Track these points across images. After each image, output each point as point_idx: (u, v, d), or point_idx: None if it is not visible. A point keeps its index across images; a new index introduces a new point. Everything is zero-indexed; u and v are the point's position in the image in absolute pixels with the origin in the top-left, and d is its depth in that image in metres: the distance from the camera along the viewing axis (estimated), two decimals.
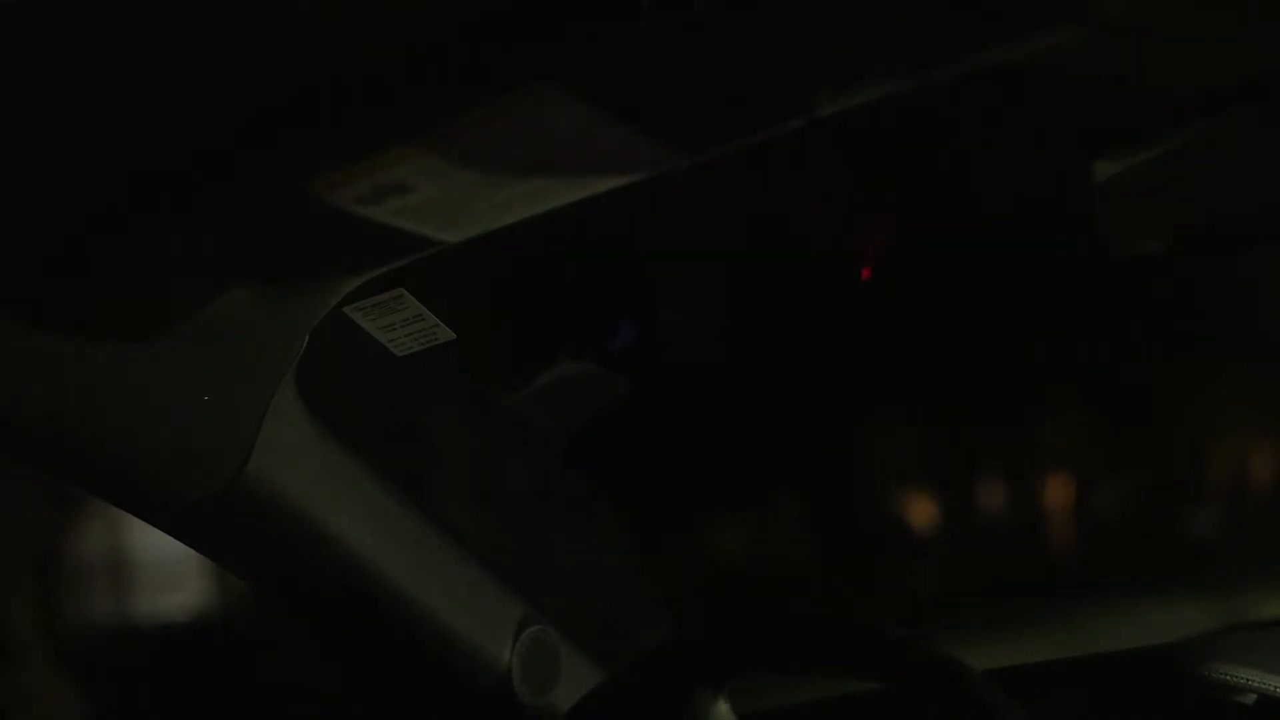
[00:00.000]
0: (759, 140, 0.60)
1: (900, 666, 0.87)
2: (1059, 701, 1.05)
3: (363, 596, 0.98)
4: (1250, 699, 0.99)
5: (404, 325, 0.85)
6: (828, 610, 0.94)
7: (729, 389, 1.43)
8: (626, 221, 1.19)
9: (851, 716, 1.14)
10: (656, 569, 1.51)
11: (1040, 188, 1.13)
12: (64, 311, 0.71)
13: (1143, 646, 1.08)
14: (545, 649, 1.09)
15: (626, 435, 1.39)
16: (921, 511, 1.58)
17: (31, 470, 0.87)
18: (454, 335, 0.86)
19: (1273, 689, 0.98)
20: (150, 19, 0.54)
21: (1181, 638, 1.04)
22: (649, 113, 0.58)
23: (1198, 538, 1.48)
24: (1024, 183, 1.15)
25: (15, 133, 0.60)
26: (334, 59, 0.57)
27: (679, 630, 1.30)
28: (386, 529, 0.98)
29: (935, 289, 1.30)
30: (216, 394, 0.81)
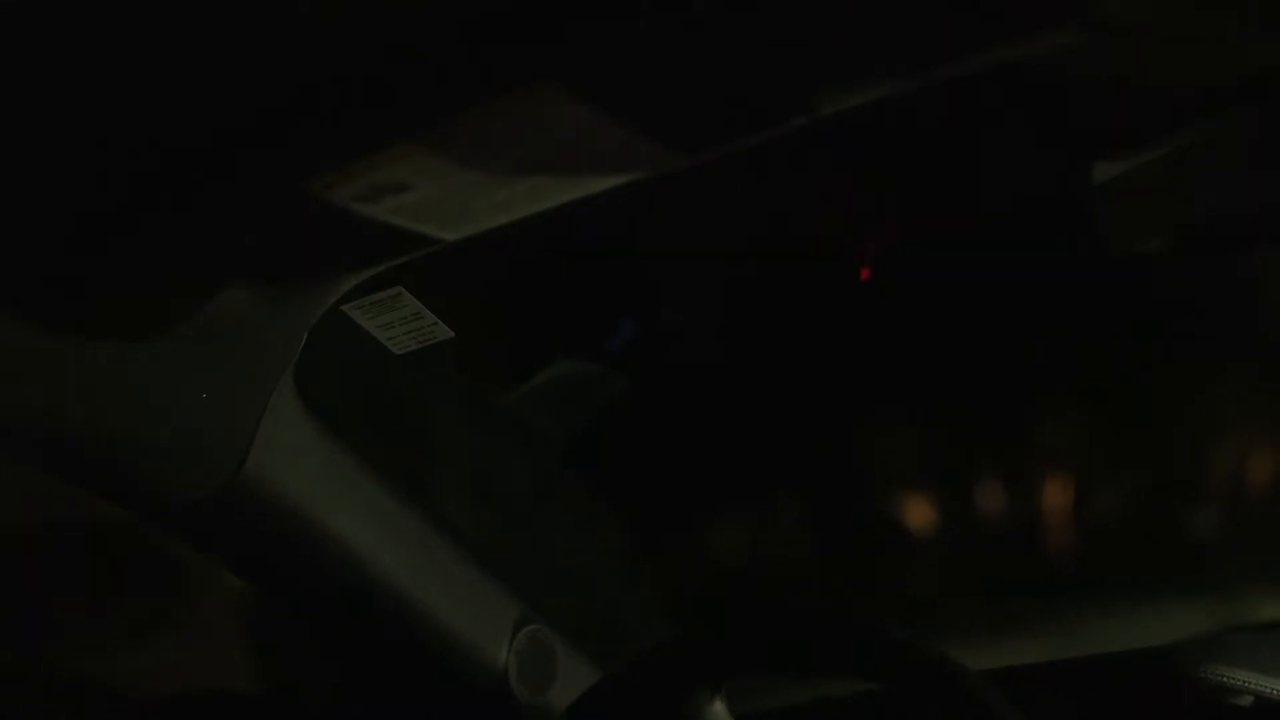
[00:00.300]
0: (759, 140, 0.60)
1: (899, 667, 0.88)
2: (1056, 702, 1.05)
3: (360, 595, 0.98)
4: (1247, 701, 0.99)
5: (402, 324, 0.85)
6: (828, 610, 0.94)
7: (729, 389, 1.43)
8: (626, 221, 1.19)
9: (850, 717, 1.14)
10: (656, 569, 1.51)
11: (1040, 188, 1.13)
12: (64, 311, 0.71)
13: (1140, 648, 1.09)
14: (542, 648, 1.10)
15: (626, 435, 1.39)
16: (921, 512, 1.58)
17: None
18: (452, 333, 0.86)
19: (1270, 691, 0.98)
20: (150, 18, 0.54)
21: (1179, 639, 1.04)
22: (648, 112, 0.58)
23: (1196, 539, 1.47)
24: (1024, 183, 1.15)
25: (15, 133, 0.60)
26: (334, 59, 0.57)
27: (678, 630, 1.30)
28: (384, 528, 0.98)
29: (935, 289, 1.30)
30: (215, 393, 0.81)
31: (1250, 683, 0.98)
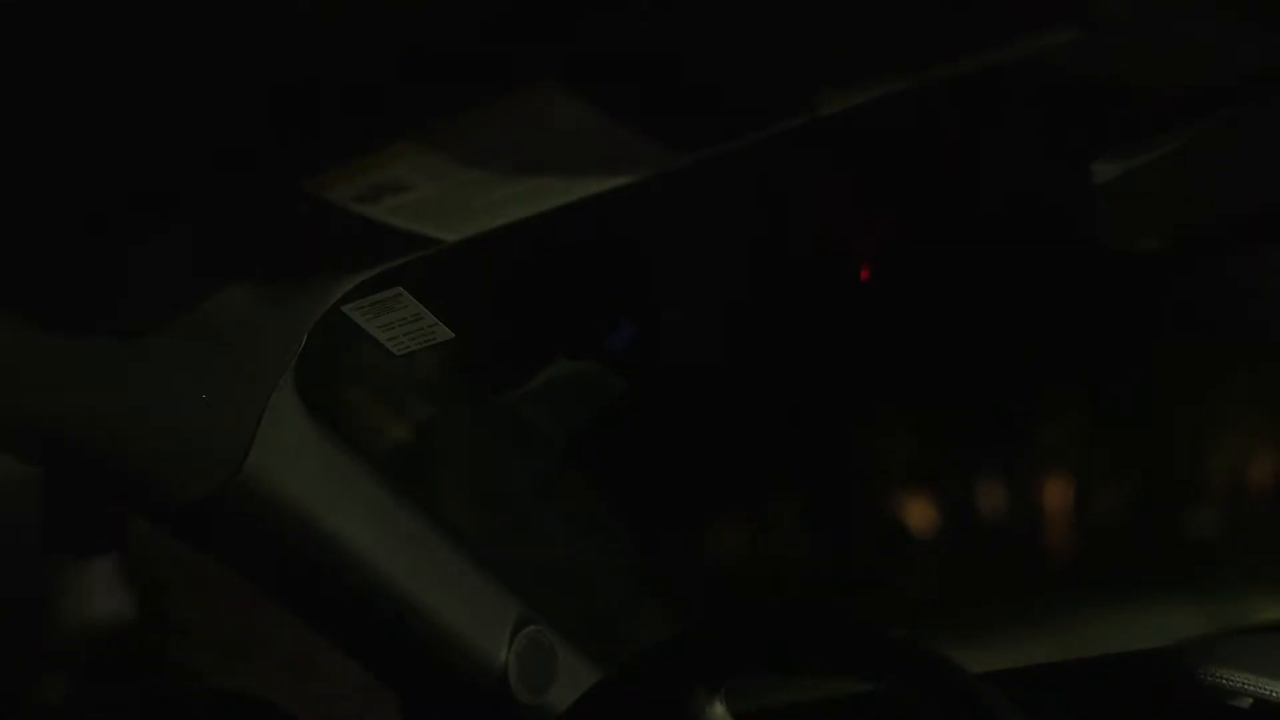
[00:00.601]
0: (758, 140, 0.60)
1: (898, 668, 0.87)
2: (1055, 704, 1.05)
3: (360, 596, 0.98)
4: (1246, 703, 0.99)
5: (402, 324, 0.85)
6: (828, 610, 0.93)
7: (729, 389, 1.43)
8: (625, 221, 1.19)
9: (849, 717, 1.14)
10: (656, 569, 1.51)
11: (1040, 187, 1.13)
12: (64, 311, 0.71)
13: (1139, 650, 1.08)
14: (541, 649, 1.10)
15: (626, 435, 1.39)
16: (920, 512, 1.58)
17: None
18: (452, 334, 0.86)
19: (1269, 693, 0.98)
20: (151, 18, 0.54)
21: (1178, 641, 1.04)
22: (648, 112, 0.58)
23: (1195, 541, 1.47)
24: (1023, 182, 1.15)
25: (15, 133, 0.60)
26: (334, 58, 0.57)
27: (678, 630, 1.30)
28: (384, 528, 0.98)
29: (934, 289, 1.30)
30: (215, 393, 0.81)
31: (1249, 684, 0.98)
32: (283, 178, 0.63)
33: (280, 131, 0.60)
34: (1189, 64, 0.73)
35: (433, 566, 1.02)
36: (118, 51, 0.56)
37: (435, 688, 1.07)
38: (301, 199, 0.62)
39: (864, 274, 1.26)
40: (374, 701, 1.16)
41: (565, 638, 1.13)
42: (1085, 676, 1.10)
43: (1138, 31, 0.59)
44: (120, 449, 0.80)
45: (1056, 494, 1.52)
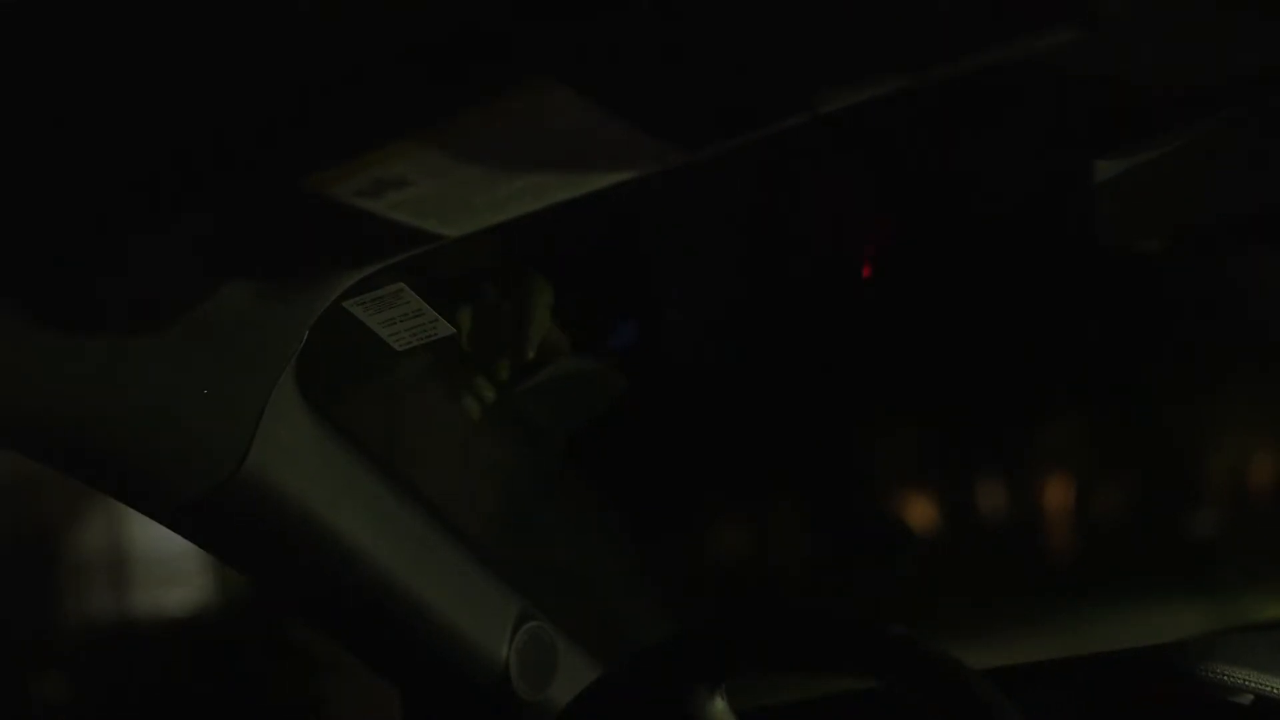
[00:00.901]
0: (759, 138, 0.61)
1: (898, 665, 0.88)
2: (1056, 701, 1.05)
3: (361, 592, 0.98)
4: (1247, 699, 0.99)
5: (404, 320, 0.85)
6: (827, 610, 0.93)
7: (729, 388, 1.43)
8: (626, 219, 1.19)
9: (850, 716, 1.14)
10: (656, 567, 1.51)
11: (1040, 187, 1.13)
12: (64, 308, 0.71)
13: (1140, 647, 1.09)
14: (543, 645, 1.10)
15: (627, 434, 1.39)
16: (921, 511, 1.58)
17: None
18: (453, 330, 0.86)
19: (1269, 689, 0.98)
20: (152, 17, 0.54)
21: (1179, 638, 1.04)
22: (649, 109, 0.58)
23: (1196, 539, 1.47)
24: (1024, 182, 1.15)
25: (15, 132, 0.60)
26: (334, 57, 0.57)
27: (678, 628, 1.30)
28: (385, 525, 0.98)
29: (935, 288, 1.30)
30: (216, 389, 0.81)
31: (1250, 681, 0.98)
32: (283, 177, 0.63)
33: (281, 130, 0.60)
34: (1189, 64, 0.74)
35: (434, 563, 1.02)
36: (118, 50, 0.56)
37: (436, 684, 1.08)
38: (302, 197, 0.62)
39: (865, 273, 1.26)
40: (374, 699, 1.17)
41: (566, 634, 1.13)
42: (1085, 674, 1.10)
43: (1138, 31, 0.59)
44: (120, 449, 0.80)
45: (1056, 494, 1.52)
